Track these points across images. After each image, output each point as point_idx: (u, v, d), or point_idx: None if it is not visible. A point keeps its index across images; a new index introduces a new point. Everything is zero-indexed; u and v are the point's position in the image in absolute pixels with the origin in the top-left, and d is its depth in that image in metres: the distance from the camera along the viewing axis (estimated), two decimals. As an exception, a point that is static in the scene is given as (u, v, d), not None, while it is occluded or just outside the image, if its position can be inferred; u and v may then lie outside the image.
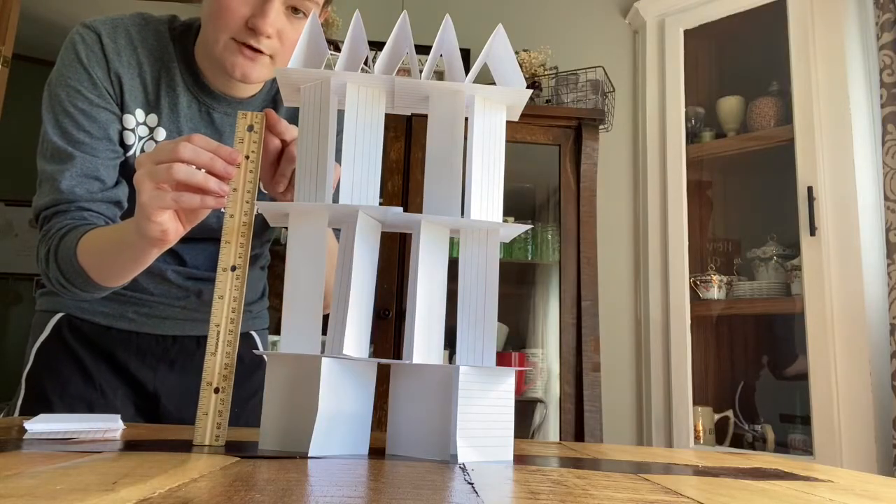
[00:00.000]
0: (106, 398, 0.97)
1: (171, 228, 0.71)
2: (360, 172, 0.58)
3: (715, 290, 2.26)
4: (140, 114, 0.94)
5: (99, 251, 0.83)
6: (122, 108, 0.93)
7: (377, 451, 0.56)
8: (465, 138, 0.59)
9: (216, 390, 0.61)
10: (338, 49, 0.69)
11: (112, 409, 0.96)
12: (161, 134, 0.95)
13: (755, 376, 2.31)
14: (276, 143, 0.78)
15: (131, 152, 0.94)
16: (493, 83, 0.61)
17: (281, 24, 0.88)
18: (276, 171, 0.80)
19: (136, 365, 1.01)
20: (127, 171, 0.94)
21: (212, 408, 0.61)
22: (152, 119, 0.95)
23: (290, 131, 0.79)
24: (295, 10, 0.89)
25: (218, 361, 0.61)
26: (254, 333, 1.12)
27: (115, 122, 0.93)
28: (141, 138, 0.94)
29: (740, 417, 2.20)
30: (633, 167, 2.55)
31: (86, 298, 0.94)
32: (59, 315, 1.01)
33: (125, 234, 0.77)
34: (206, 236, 1.03)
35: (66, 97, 0.90)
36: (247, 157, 0.67)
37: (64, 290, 0.88)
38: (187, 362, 1.04)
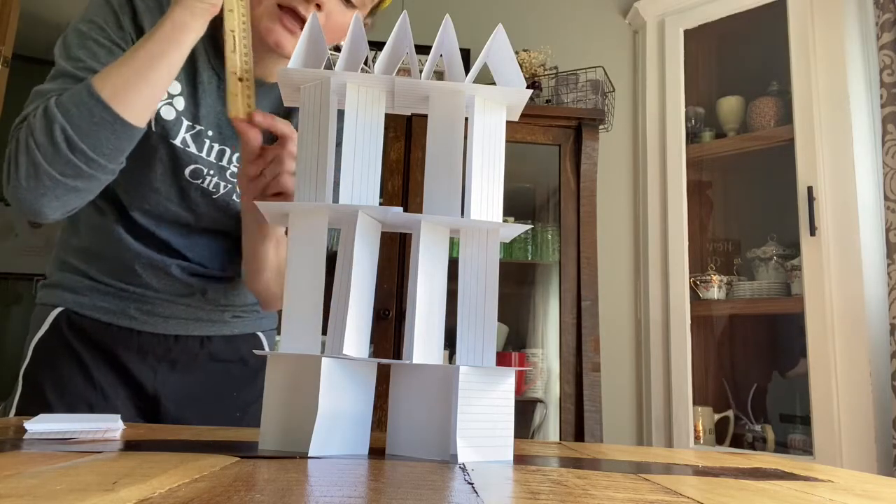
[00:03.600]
0: (107, 399, 0.96)
1: None
2: (360, 172, 0.58)
3: (715, 290, 2.26)
4: None
5: (122, 63, 0.78)
6: None
7: (377, 451, 0.56)
8: (465, 138, 0.59)
9: (241, 79, 0.75)
10: (338, 49, 0.69)
11: (112, 409, 0.95)
12: (180, 103, 0.92)
13: (755, 376, 2.31)
14: (257, 141, 0.80)
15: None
16: (493, 83, 0.61)
17: (332, 5, 0.87)
18: (254, 171, 0.81)
19: (137, 365, 0.98)
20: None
21: (240, 91, 0.74)
22: (174, 86, 0.92)
23: (282, 127, 0.79)
24: (348, 1, 0.89)
25: (238, 56, 0.74)
26: (260, 334, 1.11)
27: None
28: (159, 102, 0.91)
29: (751, 418, 2.19)
30: (633, 167, 2.55)
31: (94, 166, 0.78)
32: (58, 310, 0.98)
33: (156, 29, 0.78)
34: (206, 226, 1.00)
35: (87, 30, 0.87)
36: None
37: (65, 154, 0.75)
38: (190, 363, 1.01)
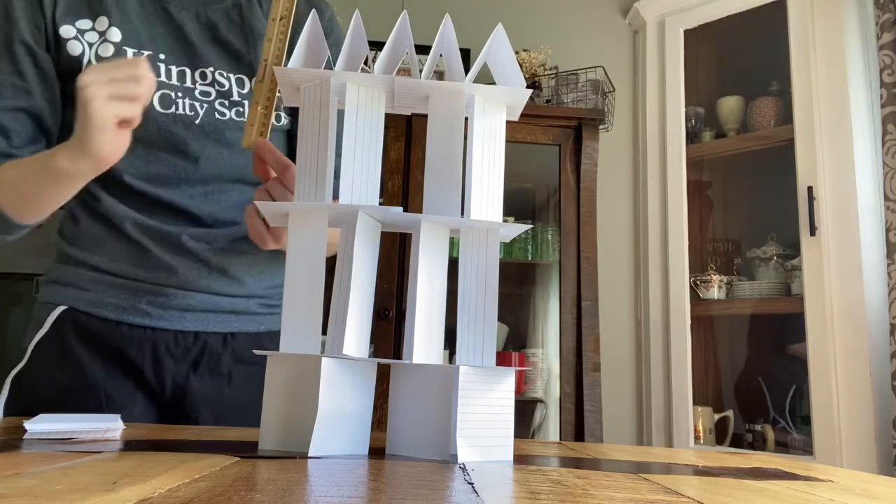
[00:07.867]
0: (115, 412, 0.82)
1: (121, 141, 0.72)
2: (360, 172, 0.58)
3: (715, 290, 2.26)
4: (85, 23, 0.87)
5: (12, 182, 0.81)
6: (55, 23, 0.86)
7: (377, 451, 0.56)
8: (465, 138, 0.59)
9: (262, 106, 0.72)
10: (338, 49, 0.69)
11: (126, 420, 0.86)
12: (115, 34, 0.87)
13: (755, 376, 2.31)
14: (267, 176, 0.73)
15: (85, 60, 0.86)
16: (493, 83, 0.61)
17: None
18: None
19: (152, 368, 0.88)
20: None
21: (257, 120, 0.72)
22: (102, 22, 0.87)
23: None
24: None
25: (265, 86, 0.71)
26: None
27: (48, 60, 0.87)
28: (91, 44, 0.86)
29: (788, 420, 2.13)
30: (633, 167, 2.55)
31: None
32: (60, 309, 0.88)
33: (53, 162, 0.75)
34: (210, 174, 0.91)
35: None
36: (281, 19, 0.73)
37: None
38: (212, 364, 0.91)
